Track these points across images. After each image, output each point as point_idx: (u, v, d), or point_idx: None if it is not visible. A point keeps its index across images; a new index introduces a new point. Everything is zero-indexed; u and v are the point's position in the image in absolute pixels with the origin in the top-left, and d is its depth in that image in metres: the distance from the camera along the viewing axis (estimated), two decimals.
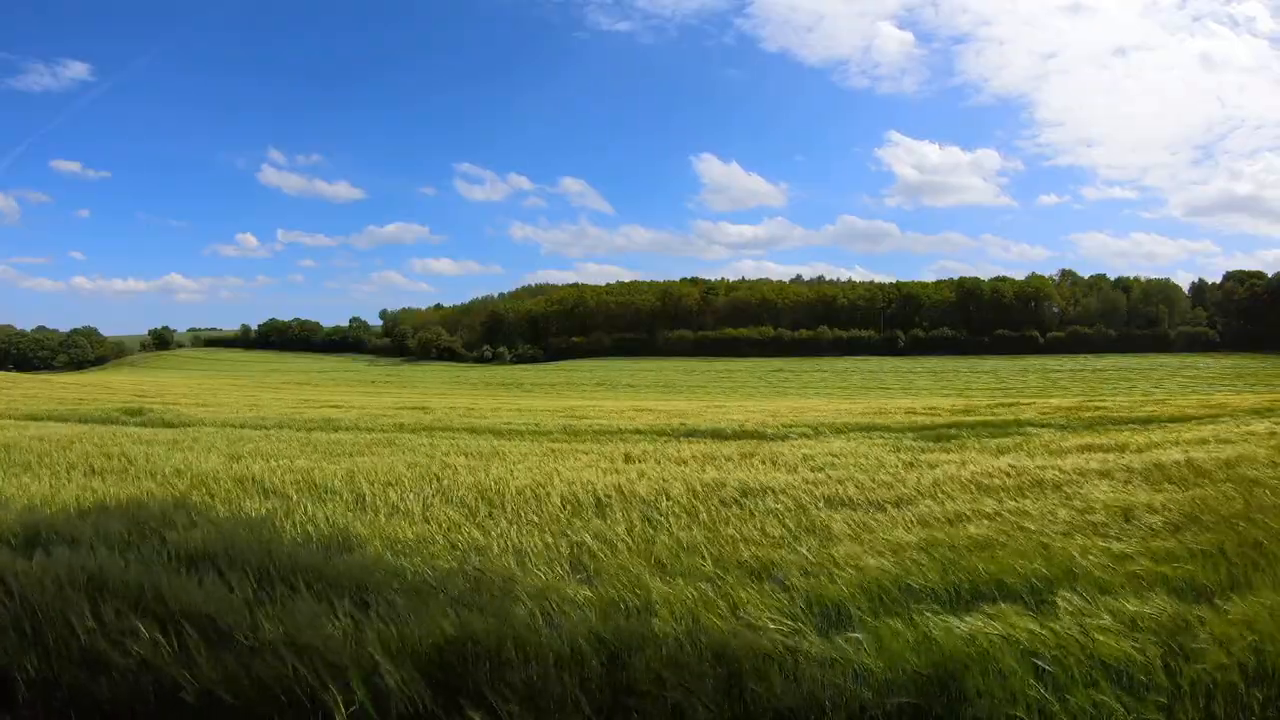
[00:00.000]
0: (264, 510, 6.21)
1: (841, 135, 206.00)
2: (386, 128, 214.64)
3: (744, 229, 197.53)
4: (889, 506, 6.20)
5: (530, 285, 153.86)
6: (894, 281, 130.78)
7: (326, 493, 6.99)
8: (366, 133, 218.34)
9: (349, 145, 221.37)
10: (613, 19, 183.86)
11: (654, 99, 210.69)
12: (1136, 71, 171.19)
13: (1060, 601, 3.53)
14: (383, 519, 5.85)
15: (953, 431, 13.63)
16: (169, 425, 16.46)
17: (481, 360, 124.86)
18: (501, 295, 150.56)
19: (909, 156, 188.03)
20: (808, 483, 7.22)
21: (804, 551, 4.71)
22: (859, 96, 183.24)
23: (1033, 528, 5.17)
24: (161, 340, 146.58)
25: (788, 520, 5.68)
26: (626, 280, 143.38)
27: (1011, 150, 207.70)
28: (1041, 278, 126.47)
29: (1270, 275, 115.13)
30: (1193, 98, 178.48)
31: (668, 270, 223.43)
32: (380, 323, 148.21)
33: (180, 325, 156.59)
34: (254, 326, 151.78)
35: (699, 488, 6.96)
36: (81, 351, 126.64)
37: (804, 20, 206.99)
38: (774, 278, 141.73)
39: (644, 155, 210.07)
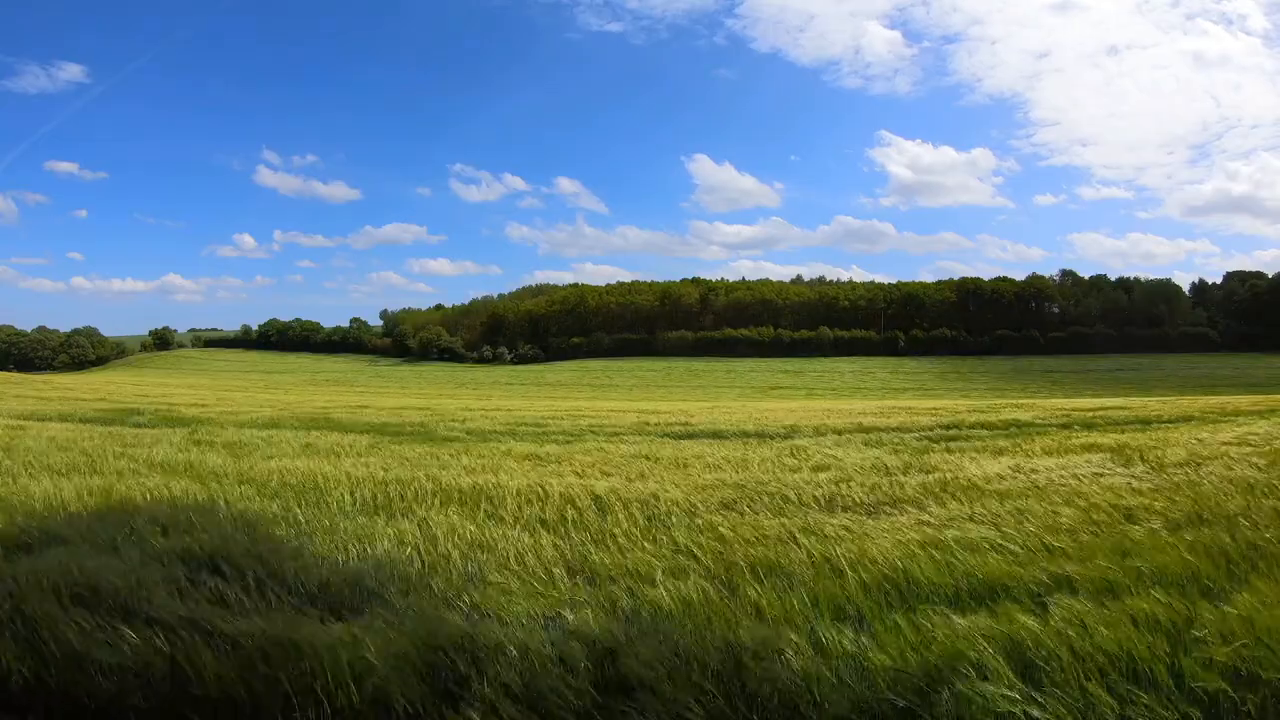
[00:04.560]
0: (263, 510, 6.20)
1: (835, 136, 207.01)
2: (380, 128, 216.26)
3: (741, 229, 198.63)
4: (890, 507, 6.19)
5: (531, 285, 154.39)
6: (894, 282, 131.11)
7: (327, 493, 6.97)
8: (360, 133, 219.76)
9: (343, 146, 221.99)
10: (603, 20, 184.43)
11: (646, 100, 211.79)
12: (1130, 70, 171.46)
13: (1062, 601, 3.52)
14: (382, 519, 5.85)
15: (953, 432, 13.62)
16: (170, 425, 16.46)
17: (482, 360, 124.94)
18: (502, 295, 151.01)
19: (901, 156, 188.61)
20: (808, 483, 7.21)
21: (805, 551, 4.70)
22: (852, 97, 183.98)
23: (1034, 528, 5.16)
24: (162, 340, 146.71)
25: (788, 521, 5.67)
26: (625, 280, 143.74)
27: (1006, 150, 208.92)
28: (1042, 278, 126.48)
29: (1271, 275, 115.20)
30: (1187, 97, 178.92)
31: (666, 270, 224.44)
32: (380, 323, 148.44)
33: (180, 325, 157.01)
34: (254, 327, 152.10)
35: (699, 488, 6.96)
36: (82, 352, 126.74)
37: (794, 20, 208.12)
38: (774, 278, 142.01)
39: (638, 156, 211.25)
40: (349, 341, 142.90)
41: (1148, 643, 3.01)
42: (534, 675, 2.85)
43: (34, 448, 10.39)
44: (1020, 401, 24.99)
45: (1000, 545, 4.74)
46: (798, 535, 5.19)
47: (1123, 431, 13.17)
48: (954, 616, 3.36)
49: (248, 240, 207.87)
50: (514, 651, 3.02)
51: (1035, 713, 2.59)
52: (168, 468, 8.78)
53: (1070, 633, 3.12)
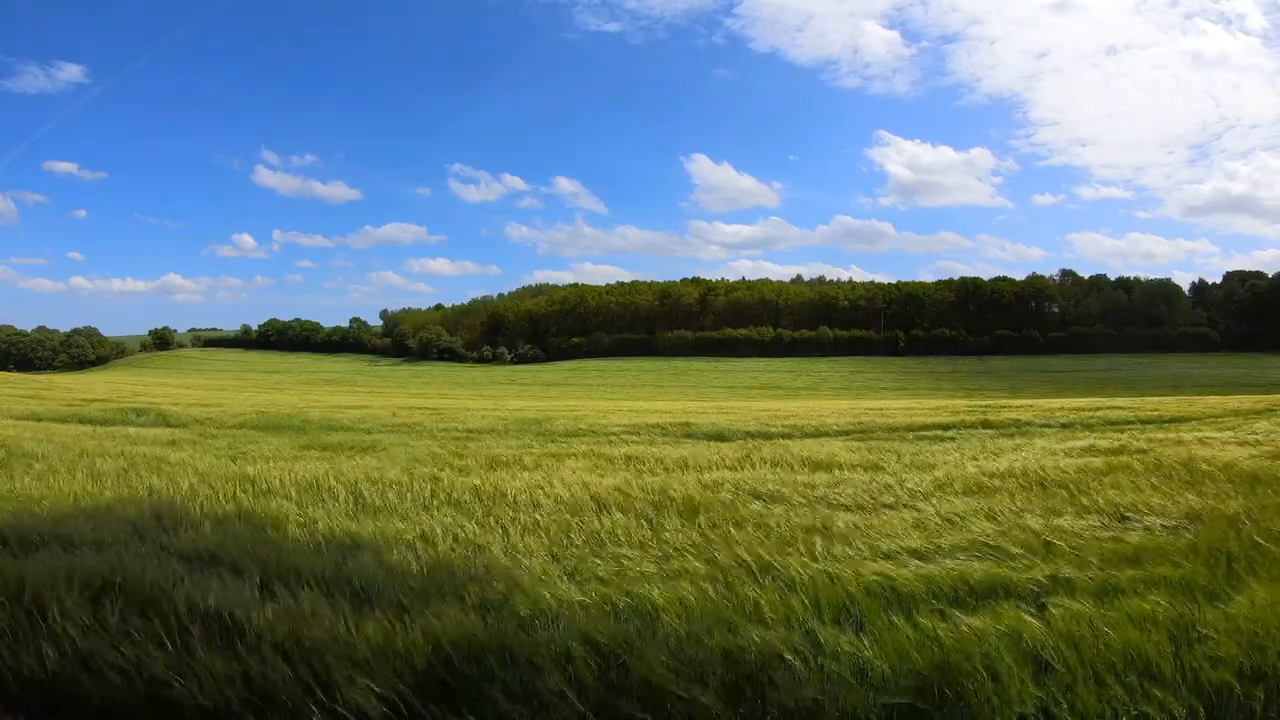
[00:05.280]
0: (263, 510, 6.19)
1: (834, 135, 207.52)
2: (379, 128, 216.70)
3: (740, 229, 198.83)
4: (889, 507, 6.18)
5: (531, 285, 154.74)
6: (894, 282, 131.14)
7: (325, 492, 6.97)
8: (359, 133, 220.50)
9: (343, 146, 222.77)
10: (601, 19, 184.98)
11: (645, 99, 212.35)
12: (1129, 70, 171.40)
13: (1062, 601, 3.52)
14: (382, 519, 5.84)
15: (953, 432, 13.63)
16: (170, 425, 16.46)
17: (482, 360, 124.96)
18: (502, 295, 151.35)
19: (900, 156, 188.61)
20: (808, 484, 7.20)
21: (806, 552, 4.69)
22: (850, 96, 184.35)
23: (1034, 527, 5.16)
24: (162, 340, 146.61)
25: (788, 521, 5.66)
26: (625, 280, 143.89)
27: (1005, 150, 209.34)
28: (1041, 278, 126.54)
29: (1270, 275, 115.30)
30: (1186, 97, 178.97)
31: (665, 270, 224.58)
32: (380, 323, 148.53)
33: (180, 325, 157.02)
34: (254, 327, 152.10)
35: (699, 488, 6.95)
36: (82, 351, 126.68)
37: (793, 20, 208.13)
38: (774, 278, 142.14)
39: (637, 156, 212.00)
40: (349, 341, 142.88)
41: (1154, 640, 3.00)
42: (537, 677, 2.85)
43: (37, 449, 10.38)
44: (1016, 402, 24.98)
45: (1001, 544, 4.74)
46: (798, 535, 5.19)
47: (1122, 431, 13.16)
48: (956, 617, 3.36)
49: (247, 240, 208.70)
50: (518, 652, 3.01)
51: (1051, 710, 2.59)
52: (164, 467, 8.78)
53: (1074, 630, 3.12)
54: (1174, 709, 2.63)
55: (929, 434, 13.40)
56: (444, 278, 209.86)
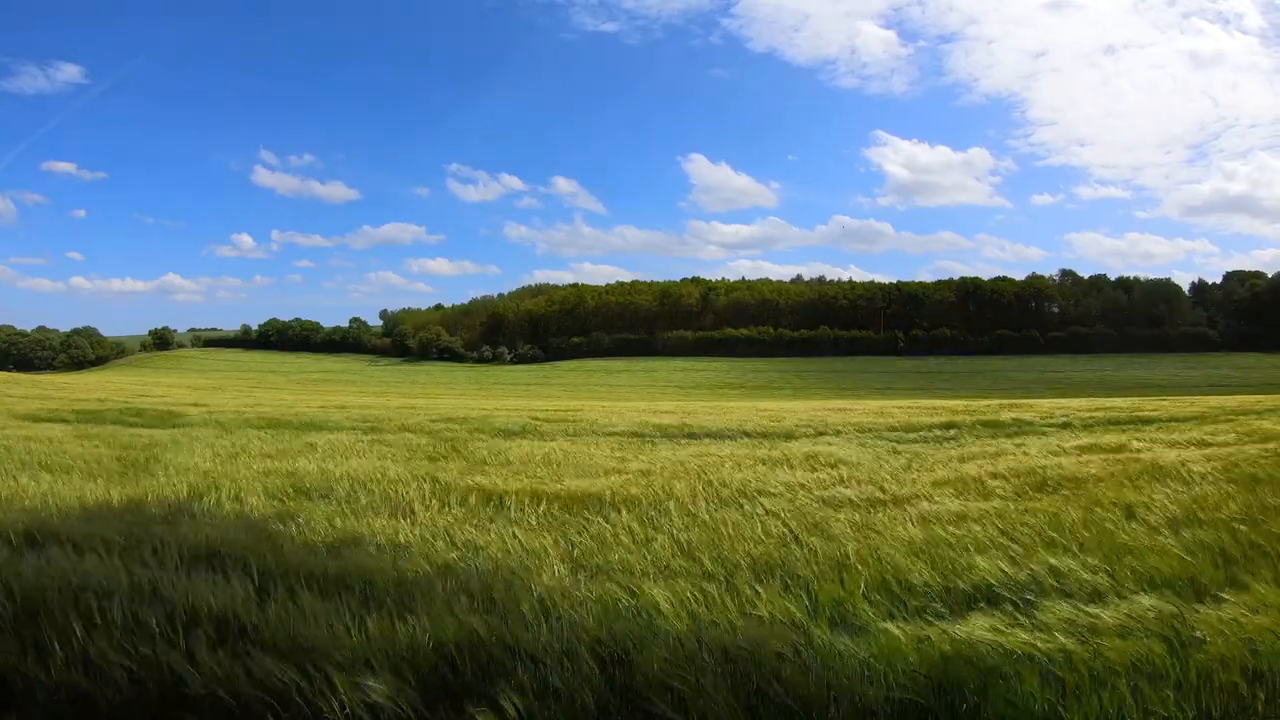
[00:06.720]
0: (264, 510, 6.20)
1: (832, 135, 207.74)
2: (378, 128, 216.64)
3: (739, 229, 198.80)
4: (890, 506, 6.19)
5: (530, 285, 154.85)
6: (894, 281, 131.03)
7: (325, 492, 6.97)
8: (358, 133, 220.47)
9: (341, 145, 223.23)
10: (599, 20, 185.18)
11: (642, 99, 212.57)
12: (1127, 70, 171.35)
13: (1063, 599, 3.52)
14: (382, 518, 5.84)
15: (953, 432, 13.61)
16: (169, 425, 16.45)
17: (482, 360, 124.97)
18: (502, 295, 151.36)
19: (898, 156, 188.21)
20: (808, 484, 7.21)
21: (806, 551, 4.70)
22: (848, 96, 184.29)
23: (1034, 527, 5.16)
24: (162, 340, 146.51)
25: (789, 521, 5.67)
26: (624, 280, 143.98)
27: (1003, 150, 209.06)
28: (1041, 278, 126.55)
29: (1270, 275, 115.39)
30: (1184, 96, 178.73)
31: (664, 270, 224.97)
32: (379, 323, 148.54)
33: (180, 325, 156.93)
34: (254, 327, 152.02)
35: (699, 488, 6.95)
36: (82, 352, 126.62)
37: (789, 20, 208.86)
38: (773, 278, 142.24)
39: (635, 156, 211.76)
40: (349, 341, 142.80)
41: (1155, 641, 3.00)
42: (542, 674, 2.85)
43: (36, 449, 10.38)
44: (1021, 401, 25.00)
45: (1001, 543, 4.74)
46: (799, 534, 5.19)
47: (1122, 431, 13.17)
48: (955, 617, 3.36)
49: (246, 240, 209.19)
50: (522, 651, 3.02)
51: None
52: (159, 468, 8.78)
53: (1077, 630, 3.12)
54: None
55: (929, 434, 13.40)
56: (443, 278, 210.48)
